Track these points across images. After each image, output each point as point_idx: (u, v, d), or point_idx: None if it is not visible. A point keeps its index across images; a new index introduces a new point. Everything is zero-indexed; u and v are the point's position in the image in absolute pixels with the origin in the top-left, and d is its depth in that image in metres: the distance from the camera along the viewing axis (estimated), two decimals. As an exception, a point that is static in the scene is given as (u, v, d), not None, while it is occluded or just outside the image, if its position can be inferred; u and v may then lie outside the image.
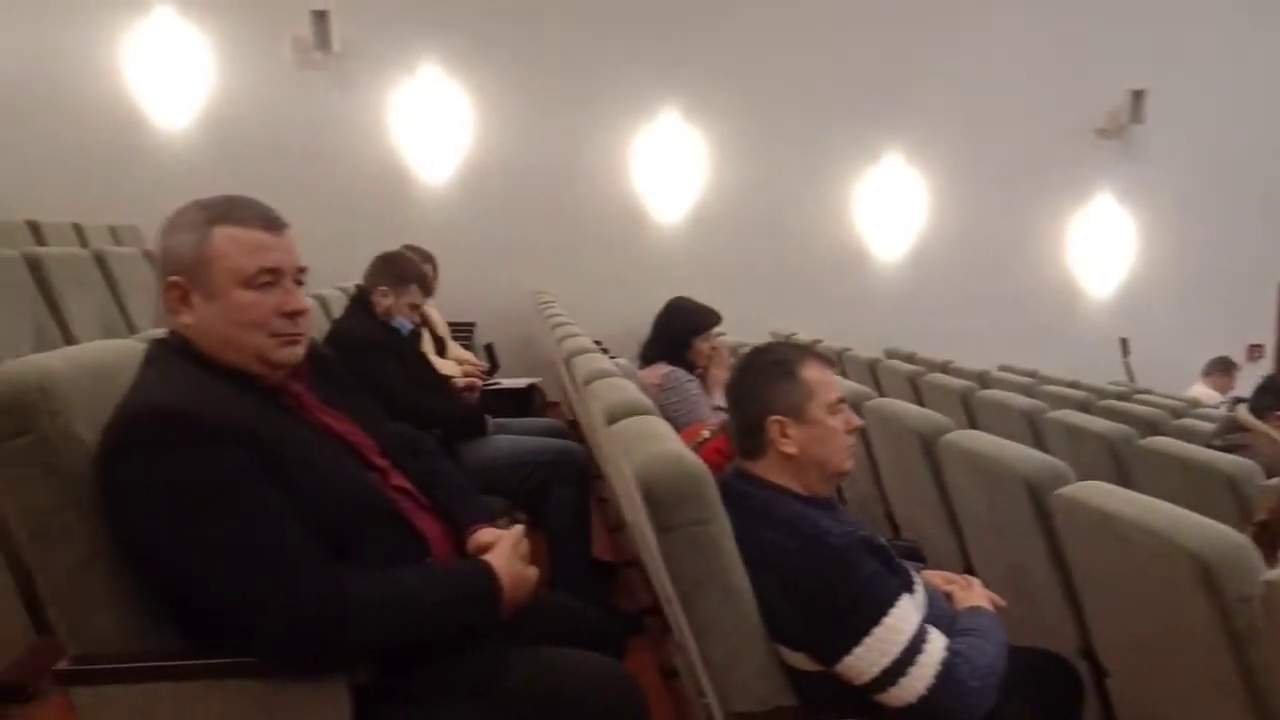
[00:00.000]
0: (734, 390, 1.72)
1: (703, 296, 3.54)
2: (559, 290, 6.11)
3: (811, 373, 1.62)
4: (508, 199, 6.96)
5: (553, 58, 6.99)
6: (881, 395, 3.27)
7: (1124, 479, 3.11)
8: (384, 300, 3.34)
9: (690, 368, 3.33)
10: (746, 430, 1.64)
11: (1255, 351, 7.64)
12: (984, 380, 5.47)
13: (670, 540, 1.48)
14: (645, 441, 1.67)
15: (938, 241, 7.47)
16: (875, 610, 1.40)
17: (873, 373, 5.30)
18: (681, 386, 3.22)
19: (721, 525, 1.50)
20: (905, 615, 1.41)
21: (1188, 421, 4.32)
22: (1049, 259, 7.58)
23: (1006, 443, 2.28)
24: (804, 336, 6.70)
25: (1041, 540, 2.05)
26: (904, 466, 2.73)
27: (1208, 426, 3.97)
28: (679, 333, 3.36)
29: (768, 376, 1.64)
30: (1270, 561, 1.43)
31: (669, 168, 7.18)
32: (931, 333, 7.10)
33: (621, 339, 5.38)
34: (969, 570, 2.54)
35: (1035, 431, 3.57)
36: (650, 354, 3.42)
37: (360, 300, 3.40)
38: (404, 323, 3.41)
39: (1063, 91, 7.42)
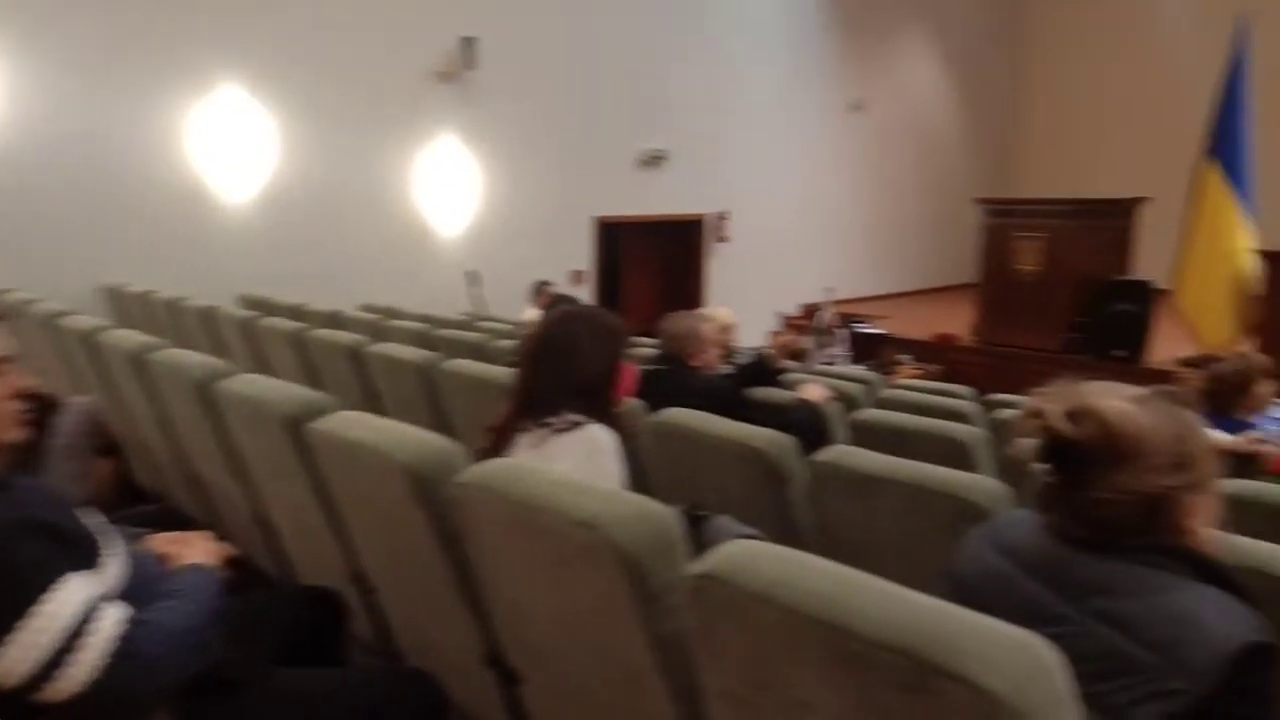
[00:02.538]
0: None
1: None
2: None
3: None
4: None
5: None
6: (222, 348, 3.00)
7: (433, 396, 3.31)
8: None
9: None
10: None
11: (578, 276, 8.90)
12: (336, 320, 5.46)
13: None
14: None
15: (292, 182, 7.22)
16: (22, 599, 1.19)
17: (205, 323, 4.94)
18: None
19: None
20: (66, 598, 1.23)
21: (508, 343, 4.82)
22: (402, 199, 7.84)
23: (275, 382, 2.21)
24: (138, 287, 6.00)
25: (303, 474, 2.03)
26: (185, 416, 2.52)
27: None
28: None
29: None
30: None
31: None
32: (293, 275, 6.90)
33: None
34: (259, 520, 2.46)
35: (359, 364, 3.63)
36: None
37: None
38: None
39: (404, 35, 7.63)
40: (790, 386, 3.72)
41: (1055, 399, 1.25)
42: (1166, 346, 7.35)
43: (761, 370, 3.64)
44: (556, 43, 8.58)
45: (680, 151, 9.58)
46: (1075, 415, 1.21)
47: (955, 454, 2.85)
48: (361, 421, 1.86)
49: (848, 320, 9.29)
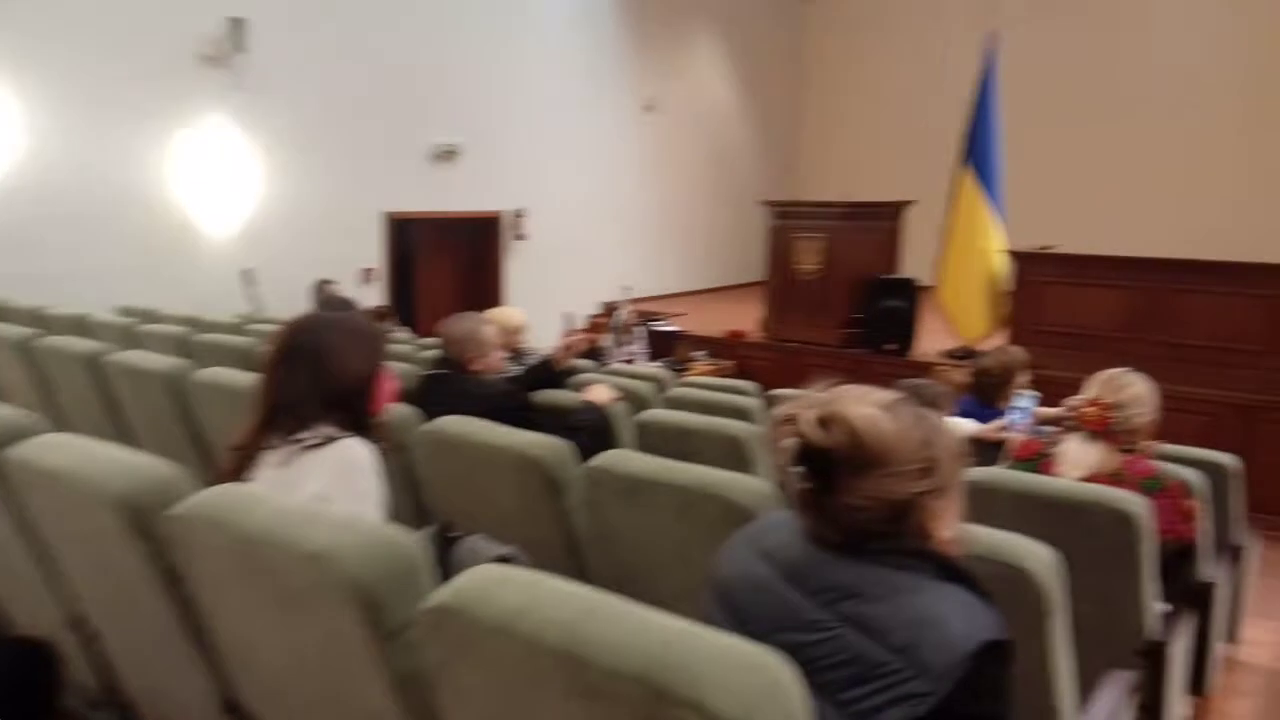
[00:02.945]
0: None
1: None
2: None
3: None
4: None
5: None
6: None
7: (184, 411, 3.01)
8: None
9: None
10: None
11: (368, 274, 8.51)
12: (82, 326, 4.92)
13: None
14: None
15: (44, 173, 6.44)
16: None
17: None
18: None
19: None
20: None
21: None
22: (167, 193, 7.18)
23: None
24: None
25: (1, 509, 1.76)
26: None
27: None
28: None
29: None
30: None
31: None
32: (39, 276, 6.15)
33: None
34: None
35: (98, 376, 3.25)
36: None
37: None
38: None
39: (165, 14, 6.98)
40: (578, 388, 3.68)
41: (808, 405, 1.25)
42: (931, 340, 7.94)
43: (547, 373, 3.58)
44: (337, 28, 8.15)
45: (474, 147, 9.37)
46: (825, 421, 1.22)
47: (735, 452, 2.90)
48: (66, 445, 1.63)
49: (646, 318, 9.43)
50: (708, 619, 1.32)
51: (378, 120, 8.52)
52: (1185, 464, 3.16)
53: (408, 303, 9.05)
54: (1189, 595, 2.74)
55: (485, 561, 1.35)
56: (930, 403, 3.15)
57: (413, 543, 1.27)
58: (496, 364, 3.31)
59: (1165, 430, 6.29)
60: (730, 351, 8.90)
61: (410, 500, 2.57)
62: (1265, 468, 5.93)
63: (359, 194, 8.43)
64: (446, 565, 1.40)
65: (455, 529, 1.49)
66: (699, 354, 8.78)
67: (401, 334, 6.36)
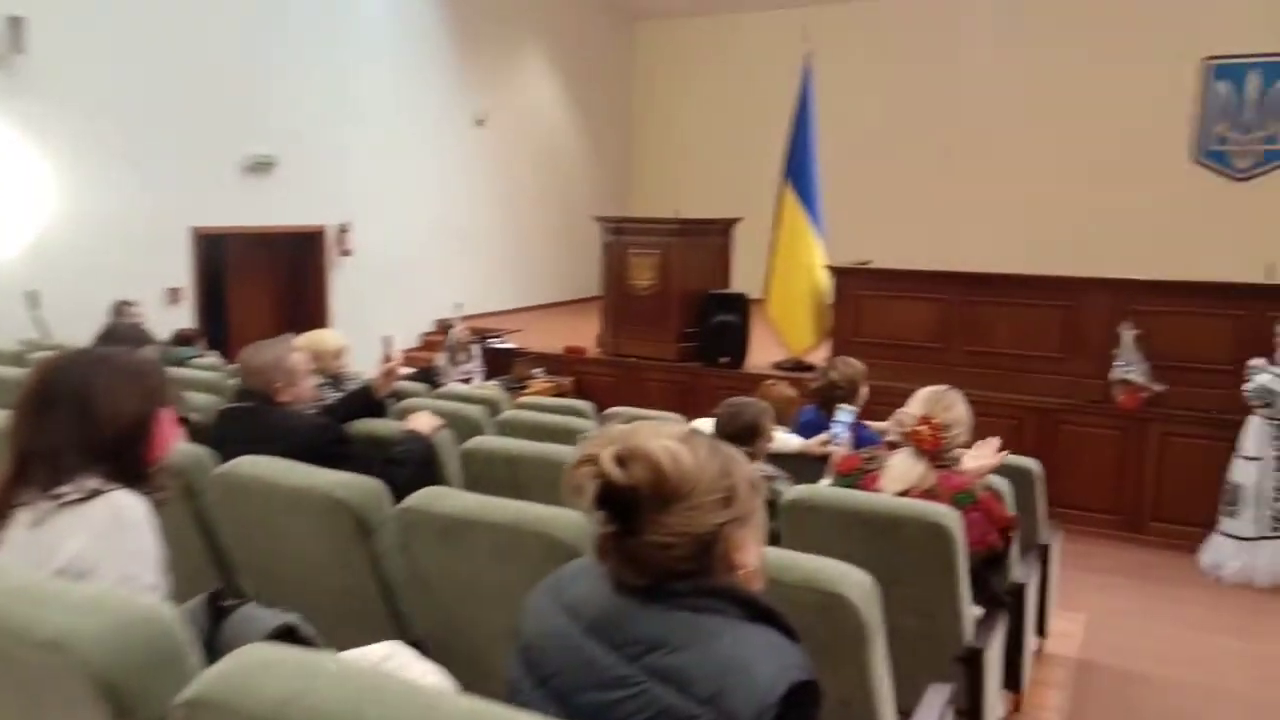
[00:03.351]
0: None
1: None
2: None
3: None
4: None
5: None
6: None
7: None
8: None
9: None
10: None
11: (174, 295, 7.89)
12: None
13: None
14: None
15: None
16: None
17: None
18: None
19: None
20: None
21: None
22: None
23: None
24: None
25: None
26: None
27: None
28: None
29: None
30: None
31: None
32: None
33: None
34: None
35: None
36: None
37: None
38: None
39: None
40: (402, 415, 3.50)
41: (604, 443, 1.19)
42: (763, 352, 8.15)
43: (365, 400, 3.37)
44: (133, 27, 7.50)
45: (294, 157, 8.87)
46: (625, 459, 1.16)
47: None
48: None
49: (482, 335, 9.22)
50: (513, 683, 1.23)
51: (184, 128, 7.92)
52: (992, 471, 3.32)
53: (219, 324, 8.46)
54: (1002, 599, 2.86)
55: (260, 635, 1.19)
56: (752, 421, 3.18)
57: (172, 620, 1.10)
58: (308, 393, 3.09)
59: (976, 435, 6.68)
60: (568, 368, 8.82)
61: (205, 555, 2.33)
62: (1064, 466, 6.42)
63: (163, 207, 7.80)
64: (216, 642, 1.23)
65: (226, 596, 1.32)
66: (537, 371, 8.66)
67: (209, 359, 5.91)
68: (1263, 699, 4.03)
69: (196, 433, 2.81)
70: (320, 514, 2.10)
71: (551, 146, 13.02)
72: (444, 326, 9.25)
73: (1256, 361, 5.37)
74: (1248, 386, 5.32)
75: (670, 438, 1.19)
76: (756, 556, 1.24)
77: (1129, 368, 6.22)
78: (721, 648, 1.11)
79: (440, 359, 8.25)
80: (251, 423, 2.78)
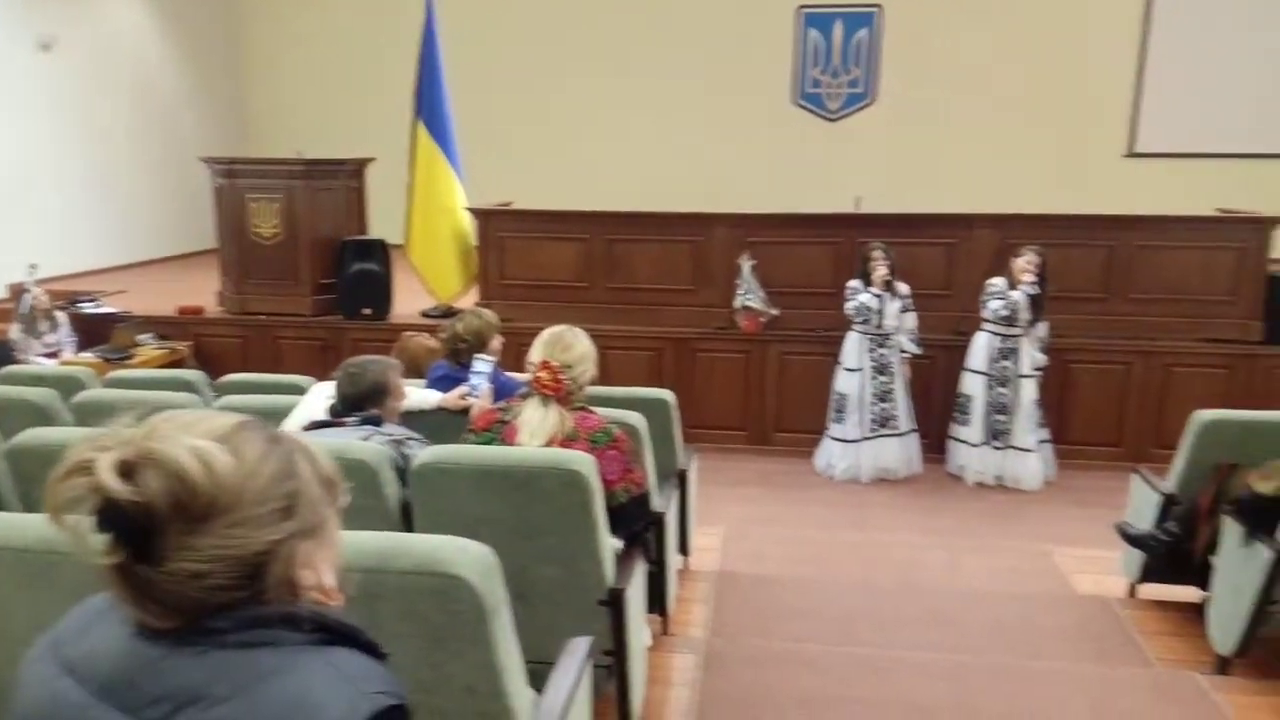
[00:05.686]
0: None
1: None
2: None
3: None
4: None
5: None
6: None
7: None
8: None
9: None
10: None
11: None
12: None
13: None
14: None
15: None
16: None
17: None
18: None
19: None
20: None
21: None
22: None
23: None
24: None
25: None
26: None
27: None
28: None
29: None
30: None
31: None
32: None
33: None
34: None
35: None
36: None
37: None
38: None
39: None
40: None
41: (106, 445, 0.90)
42: (409, 301, 7.78)
43: None
44: None
45: None
46: (132, 468, 0.88)
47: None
48: None
49: (72, 300, 7.88)
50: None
51: None
52: (629, 406, 3.36)
53: None
54: (643, 536, 2.89)
55: None
56: (378, 381, 2.91)
57: None
58: None
59: (620, 370, 6.88)
60: (185, 332, 7.82)
61: None
62: (701, 390, 6.86)
63: None
64: None
65: None
66: (144, 338, 7.56)
67: None
68: (870, 580, 4.58)
69: None
70: None
71: (146, 80, 11.33)
72: (17, 291, 7.75)
73: (854, 283, 6.03)
74: (848, 305, 5.97)
75: (206, 435, 0.92)
76: (333, 572, 1.01)
77: (749, 295, 6.73)
78: (278, 688, 0.88)
79: (14, 330, 6.96)
80: None
